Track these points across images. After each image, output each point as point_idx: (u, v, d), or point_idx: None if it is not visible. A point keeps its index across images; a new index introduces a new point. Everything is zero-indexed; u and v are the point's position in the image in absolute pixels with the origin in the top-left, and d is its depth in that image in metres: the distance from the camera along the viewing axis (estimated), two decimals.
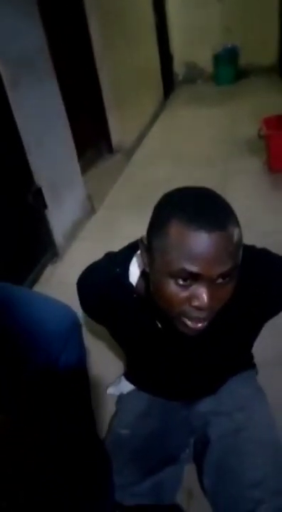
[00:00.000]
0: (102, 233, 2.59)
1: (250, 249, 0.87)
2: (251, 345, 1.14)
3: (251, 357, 1.22)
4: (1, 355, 0.62)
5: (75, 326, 0.72)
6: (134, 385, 1.22)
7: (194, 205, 0.65)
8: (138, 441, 1.09)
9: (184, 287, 0.67)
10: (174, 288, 0.67)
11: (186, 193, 0.70)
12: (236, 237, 0.65)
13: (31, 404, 0.66)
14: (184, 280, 0.66)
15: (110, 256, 0.95)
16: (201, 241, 0.62)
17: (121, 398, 1.25)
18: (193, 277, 0.65)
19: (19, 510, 0.76)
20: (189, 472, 1.13)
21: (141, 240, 0.75)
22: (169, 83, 5.96)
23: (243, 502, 0.92)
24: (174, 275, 0.66)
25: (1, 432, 0.65)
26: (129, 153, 3.81)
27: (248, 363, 1.21)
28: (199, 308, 0.67)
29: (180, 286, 0.67)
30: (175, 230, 0.63)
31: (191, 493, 1.12)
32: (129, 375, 1.24)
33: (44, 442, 0.70)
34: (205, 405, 1.12)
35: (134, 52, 4.13)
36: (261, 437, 1.03)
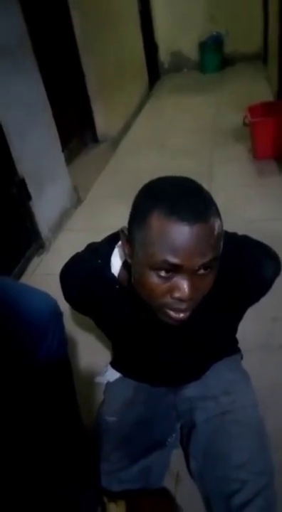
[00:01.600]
0: (89, 223, 2.58)
1: (231, 237, 0.87)
2: (235, 331, 1.15)
3: (236, 342, 1.23)
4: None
5: (56, 313, 0.72)
6: (120, 372, 1.22)
7: (175, 197, 0.65)
8: (125, 428, 1.10)
9: (166, 279, 0.67)
10: (155, 280, 0.68)
11: (166, 184, 0.70)
12: (217, 229, 0.66)
13: (12, 391, 0.66)
14: (166, 272, 0.66)
15: (91, 247, 0.95)
16: (182, 233, 0.62)
17: (108, 386, 1.25)
18: (174, 269, 0.65)
19: (3, 499, 0.76)
20: (176, 456, 1.14)
21: (122, 230, 0.74)
22: (154, 72, 5.92)
23: (229, 483, 0.94)
24: (156, 267, 0.66)
25: None
26: (115, 142, 3.78)
27: (232, 348, 1.22)
28: (180, 300, 0.68)
29: (162, 278, 0.67)
30: (156, 222, 0.64)
31: (178, 477, 1.13)
32: (115, 364, 1.24)
33: (26, 428, 0.70)
34: (191, 390, 1.13)
35: (119, 40, 4.08)
36: (246, 420, 1.05)
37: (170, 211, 0.63)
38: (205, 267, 0.66)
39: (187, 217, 0.62)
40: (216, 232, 0.65)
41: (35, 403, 0.69)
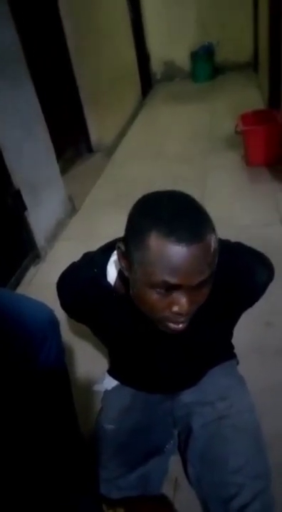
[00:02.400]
0: (85, 233, 2.59)
1: (224, 244, 0.89)
2: (231, 336, 1.16)
3: (232, 347, 1.25)
4: None
5: (53, 322, 0.74)
6: (117, 380, 1.23)
7: (172, 217, 0.66)
8: (123, 436, 1.10)
9: (164, 295, 0.69)
10: (154, 297, 0.70)
11: (162, 202, 0.70)
12: (213, 246, 0.67)
13: (11, 398, 0.67)
14: (165, 290, 0.68)
15: (88, 256, 0.96)
16: (181, 254, 0.64)
17: (106, 394, 1.26)
18: (173, 287, 0.68)
19: (4, 506, 0.77)
20: (174, 463, 1.15)
21: (118, 246, 0.75)
22: (147, 82, 5.98)
23: (227, 487, 0.95)
24: (155, 286, 0.68)
25: None
26: (109, 152, 3.82)
27: (228, 354, 1.24)
28: (179, 314, 0.71)
29: (160, 294, 0.69)
30: (155, 243, 0.65)
31: (177, 483, 1.14)
32: (112, 371, 1.25)
33: (25, 436, 0.71)
34: (187, 396, 1.14)
35: (111, 51, 4.13)
36: (243, 424, 1.06)
37: (168, 233, 0.64)
38: (202, 283, 0.68)
39: (185, 238, 0.64)
40: (212, 249, 0.67)
41: (33, 411, 0.71)
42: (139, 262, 0.69)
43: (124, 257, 0.75)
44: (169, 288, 0.68)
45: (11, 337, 0.65)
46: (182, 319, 0.73)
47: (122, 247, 0.74)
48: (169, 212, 0.67)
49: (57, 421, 0.76)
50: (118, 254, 0.77)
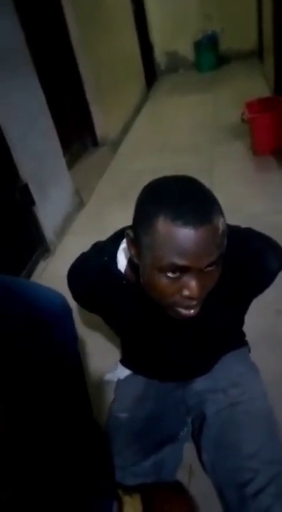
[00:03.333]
0: (93, 226, 2.60)
1: (234, 230, 0.89)
2: (242, 323, 1.16)
3: (243, 335, 1.25)
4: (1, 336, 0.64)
5: (66, 306, 0.75)
6: (130, 369, 1.24)
7: (179, 200, 0.67)
8: (136, 424, 1.11)
9: (174, 279, 0.69)
10: (164, 281, 0.70)
11: (168, 186, 0.71)
12: (221, 227, 0.67)
13: (27, 387, 0.68)
14: (174, 273, 0.68)
15: (97, 246, 0.97)
16: (189, 236, 0.64)
17: (118, 383, 1.27)
18: (182, 270, 0.68)
19: (23, 498, 0.78)
20: (189, 450, 1.16)
21: (127, 233, 0.76)
22: (151, 73, 5.95)
23: (241, 473, 0.96)
24: (164, 269, 0.68)
25: None
26: (115, 145, 3.81)
27: (240, 341, 1.24)
28: (190, 298, 0.70)
29: (170, 278, 0.69)
30: (163, 227, 0.65)
31: (191, 470, 1.15)
32: (125, 361, 1.26)
33: (40, 427, 0.72)
34: (200, 384, 1.15)
35: (114, 43, 4.11)
36: (256, 410, 1.06)
37: (175, 216, 0.64)
38: (211, 264, 0.68)
39: (192, 220, 0.64)
40: (220, 231, 0.67)
41: (48, 397, 0.72)
42: (148, 246, 0.69)
43: (133, 244, 0.75)
44: (179, 271, 0.68)
45: (24, 322, 0.66)
46: (193, 304, 0.72)
47: (131, 234, 0.75)
48: (175, 195, 0.68)
49: (72, 406, 0.77)
50: (127, 242, 0.77)
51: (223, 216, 0.69)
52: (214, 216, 0.66)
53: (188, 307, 0.73)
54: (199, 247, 0.65)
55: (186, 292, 0.70)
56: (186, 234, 0.64)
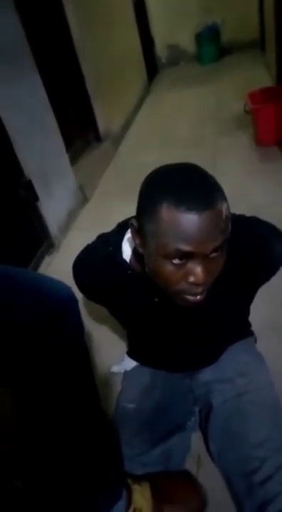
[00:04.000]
0: (97, 221, 2.60)
1: (239, 218, 0.89)
2: (247, 312, 1.16)
3: (249, 324, 1.25)
4: (5, 327, 0.65)
5: (72, 298, 0.75)
6: (136, 360, 1.25)
7: (182, 186, 0.67)
8: (144, 414, 1.12)
9: (180, 266, 0.69)
10: (169, 268, 0.70)
11: (171, 174, 0.71)
12: (224, 212, 0.67)
13: (35, 377, 0.69)
14: (179, 259, 0.68)
15: (102, 237, 0.97)
16: (192, 222, 0.64)
17: (125, 375, 1.28)
18: (187, 256, 0.68)
19: (32, 488, 0.79)
20: (197, 439, 1.16)
21: (131, 223, 0.76)
22: (152, 67, 5.91)
23: (249, 461, 0.96)
24: (169, 256, 0.68)
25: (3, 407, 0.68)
26: (118, 140, 3.80)
27: (246, 331, 1.24)
28: (195, 284, 0.70)
29: (175, 265, 0.69)
30: (166, 214, 0.65)
31: (199, 459, 1.15)
32: (131, 352, 1.27)
33: (48, 418, 0.73)
34: (207, 374, 1.15)
35: (115, 38, 4.09)
36: (262, 400, 1.07)
37: (179, 202, 0.64)
38: (216, 249, 0.68)
39: (196, 206, 0.64)
40: (224, 216, 0.67)
41: (56, 388, 0.72)
42: (152, 234, 0.69)
43: (137, 233, 0.76)
44: (184, 257, 0.68)
45: (30, 313, 0.66)
46: (199, 290, 0.72)
47: (135, 224, 0.75)
48: (178, 182, 0.68)
49: (80, 396, 0.77)
50: (132, 232, 0.78)
51: (226, 201, 0.69)
52: (217, 201, 0.66)
53: (194, 294, 0.73)
54: (202, 232, 0.65)
55: (191, 279, 0.70)
56: (190, 219, 0.64)
